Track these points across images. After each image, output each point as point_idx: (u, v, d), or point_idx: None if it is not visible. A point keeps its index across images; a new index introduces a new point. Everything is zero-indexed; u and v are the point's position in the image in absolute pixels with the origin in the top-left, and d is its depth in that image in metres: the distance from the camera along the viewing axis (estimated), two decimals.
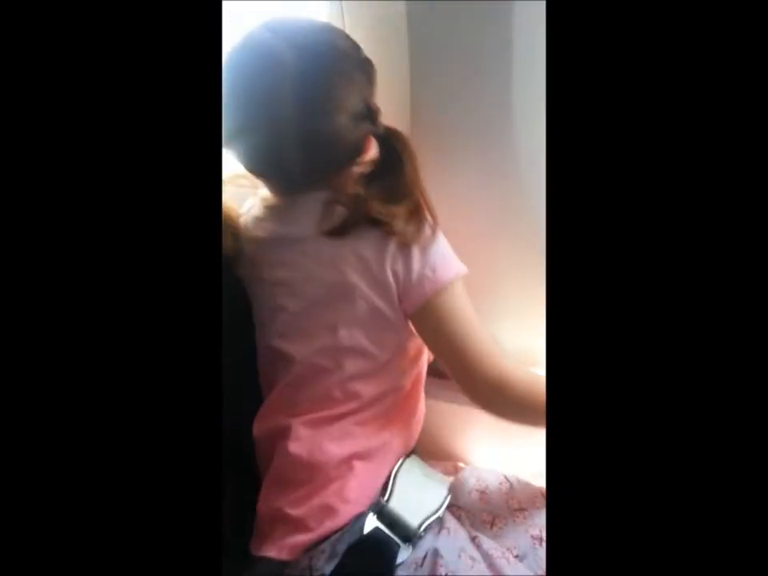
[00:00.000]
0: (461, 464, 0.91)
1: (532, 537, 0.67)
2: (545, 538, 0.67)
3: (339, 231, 0.67)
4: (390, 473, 0.71)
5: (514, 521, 0.70)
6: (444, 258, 0.69)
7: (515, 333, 0.89)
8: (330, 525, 0.66)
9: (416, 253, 0.67)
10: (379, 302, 0.68)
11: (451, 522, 0.70)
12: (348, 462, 0.68)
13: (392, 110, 0.75)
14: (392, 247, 0.66)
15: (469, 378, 0.68)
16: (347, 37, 0.68)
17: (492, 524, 0.70)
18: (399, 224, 0.66)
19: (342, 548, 0.64)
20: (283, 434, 0.70)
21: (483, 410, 0.71)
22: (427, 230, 0.68)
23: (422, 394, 0.80)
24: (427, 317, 0.68)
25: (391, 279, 0.67)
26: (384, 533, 0.65)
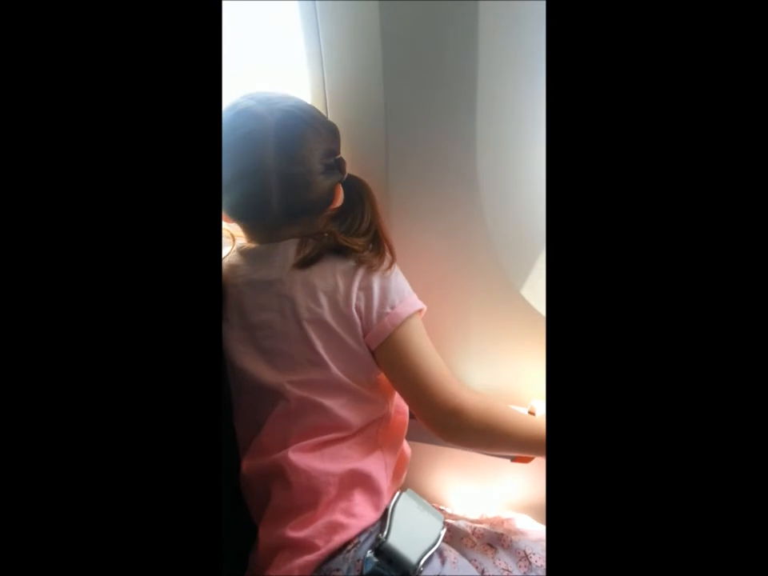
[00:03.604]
0: (441, 507, 0.93)
1: None
2: None
3: (309, 261, 0.75)
4: (387, 509, 0.72)
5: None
6: (402, 295, 0.75)
7: (480, 372, 0.94)
8: (338, 539, 0.66)
9: (376, 292, 0.74)
10: (348, 339, 0.73)
11: (451, 553, 0.71)
12: (347, 479, 0.71)
13: (367, 126, 0.82)
14: (356, 286, 0.73)
15: (427, 408, 0.73)
16: (313, 106, 0.80)
17: (482, 572, 0.73)
18: (362, 251, 0.75)
19: (356, 564, 0.64)
20: (279, 466, 0.71)
21: (441, 438, 0.75)
22: (386, 261, 0.76)
23: (407, 419, 0.83)
24: (388, 351, 0.73)
25: (356, 316, 0.73)
26: (384, 572, 0.65)
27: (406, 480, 0.84)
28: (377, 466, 0.74)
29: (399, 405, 0.81)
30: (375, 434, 0.77)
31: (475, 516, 0.90)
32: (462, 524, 0.83)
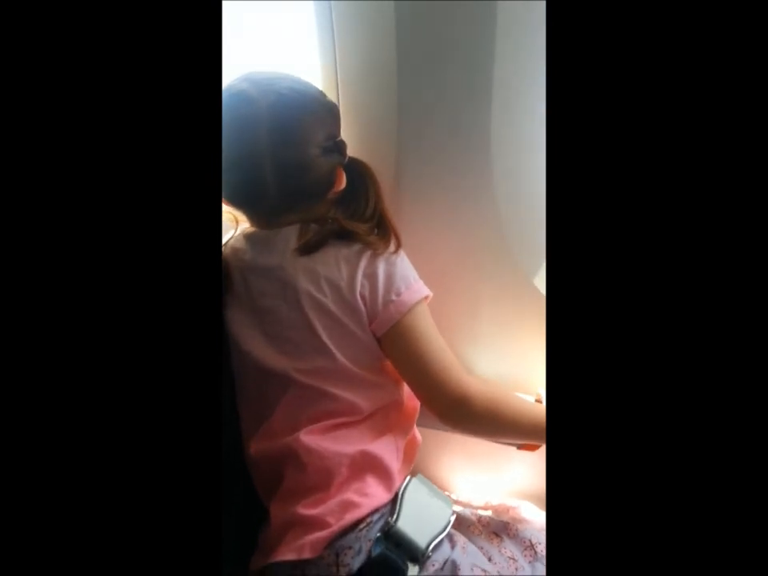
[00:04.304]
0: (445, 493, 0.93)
1: None
2: None
3: (312, 247, 0.73)
4: (397, 493, 0.72)
5: (508, 567, 0.73)
6: (408, 282, 0.74)
7: (489, 359, 0.95)
8: (350, 517, 0.66)
9: (381, 279, 0.72)
10: (353, 326, 0.72)
11: (461, 538, 0.72)
12: (359, 460, 0.71)
13: (379, 116, 0.81)
14: (360, 273, 0.72)
15: (433, 396, 0.72)
16: (314, 86, 0.77)
17: (489, 559, 0.73)
18: (367, 235, 0.73)
19: (367, 544, 0.65)
20: (291, 448, 0.71)
21: (447, 426, 0.74)
22: (392, 245, 0.74)
23: (419, 404, 0.83)
24: (393, 338, 0.72)
25: (360, 304, 0.71)
26: (392, 555, 0.65)
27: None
28: (388, 449, 0.74)
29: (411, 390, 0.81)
30: (386, 418, 0.76)
31: (480, 503, 0.91)
32: (467, 512, 0.83)
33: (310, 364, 0.72)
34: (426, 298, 0.76)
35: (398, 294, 0.72)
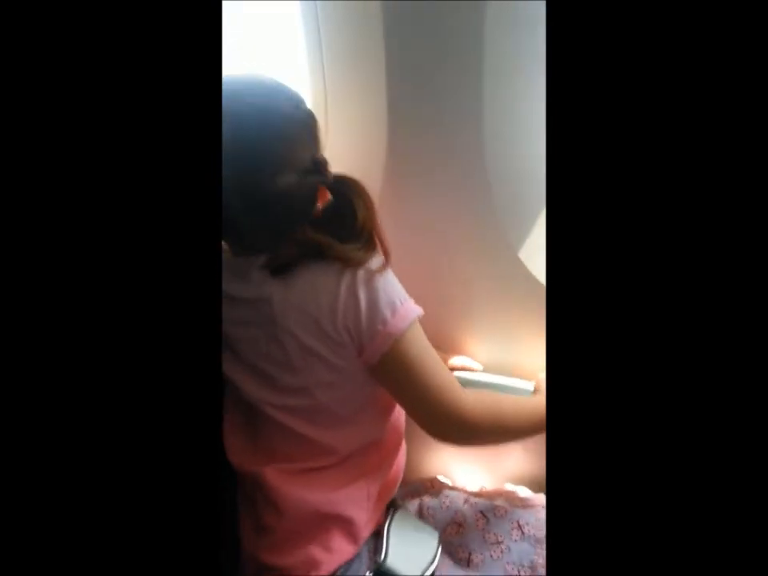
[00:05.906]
0: (439, 477, 0.95)
1: (508, 569, 0.72)
2: (520, 570, 0.72)
3: (284, 267, 0.65)
4: (382, 530, 0.71)
5: (491, 555, 0.73)
6: (393, 307, 0.65)
7: (488, 343, 0.92)
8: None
9: (363, 308, 0.64)
10: (338, 361, 0.66)
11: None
12: (326, 508, 0.70)
13: (370, 115, 0.78)
14: (341, 303, 0.64)
15: (430, 422, 0.69)
16: (287, 94, 0.65)
17: (468, 561, 0.74)
18: (348, 253, 0.64)
19: None
20: (259, 480, 0.70)
21: (452, 445, 0.72)
22: (375, 261, 0.65)
23: (403, 441, 0.81)
24: (384, 368, 0.67)
25: (345, 336, 0.65)
26: None
27: (408, 454, 0.85)
28: (355, 499, 0.72)
29: (394, 426, 0.78)
30: (362, 460, 0.74)
31: (475, 488, 0.91)
32: (453, 495, 0.84)
33: (286, 401, 0.68)
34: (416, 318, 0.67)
35: (384, 324, 0.64)
